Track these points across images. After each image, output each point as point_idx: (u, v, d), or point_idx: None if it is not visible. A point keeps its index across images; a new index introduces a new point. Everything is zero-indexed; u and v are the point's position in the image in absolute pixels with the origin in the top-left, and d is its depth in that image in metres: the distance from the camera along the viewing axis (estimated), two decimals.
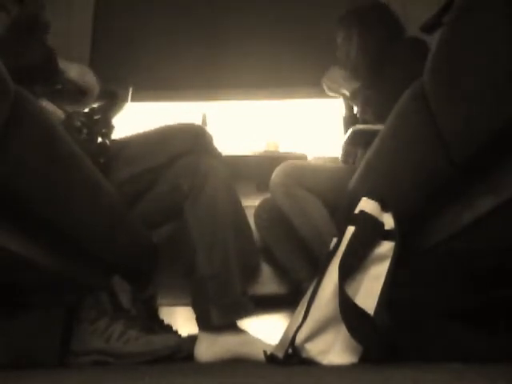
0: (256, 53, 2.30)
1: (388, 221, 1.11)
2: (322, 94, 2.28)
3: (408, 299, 1.31)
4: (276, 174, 1.63)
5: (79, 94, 1.51)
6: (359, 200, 1.16)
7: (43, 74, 1.41)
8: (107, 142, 1.48)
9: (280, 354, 1.11)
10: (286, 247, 1.73)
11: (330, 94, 1.82)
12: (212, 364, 1.29)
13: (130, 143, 1.55)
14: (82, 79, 1.49)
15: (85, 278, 1.36)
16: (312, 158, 2.06)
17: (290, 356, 1.09)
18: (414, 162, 1.01)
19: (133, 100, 1.73)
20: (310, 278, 1.26)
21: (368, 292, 1.06)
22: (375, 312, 1.03)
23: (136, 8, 2.38)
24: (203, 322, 1.36)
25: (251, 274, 1.76)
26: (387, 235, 1.10)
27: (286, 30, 2.32)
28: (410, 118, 1.00)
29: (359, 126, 1.58)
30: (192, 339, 1.37)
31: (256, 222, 1.77)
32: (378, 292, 1.05)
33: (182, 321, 1.72)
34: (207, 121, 2.04)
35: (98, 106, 1.58)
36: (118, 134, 1.59)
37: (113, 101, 1.62)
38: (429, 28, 1.04)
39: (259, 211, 1.77)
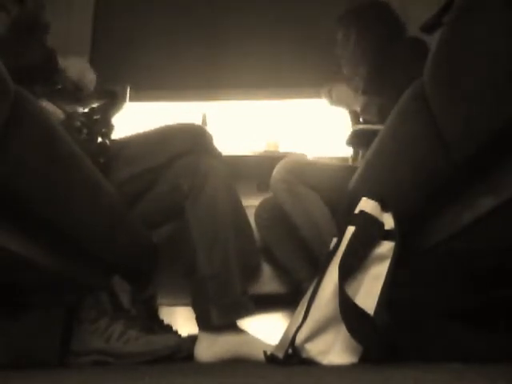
0: (256, 53, 2.30)
1: (388, 221, 1.11)
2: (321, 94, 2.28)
3: (408, 299, 1.31)
4: (277, 170, 1.63)
5: (76, 90, 1.51)
6: (359, 200, 1.16)
7: (43, 74, 1.41)
8: (107, 141, 1.48)
9: (280, 354, 1.11)
10: (286, 247, 1.73)
11: (335, 106, 1.80)
12: (212, 364, 1.29)
13: (129, 143, 1.55)
14: (81, 76, 1.49)
15: (85, 278, 1.36)
16: (313, 157, 2.06)
17: (290, 356, 1.09)
18: (414, 161, 1.01)
19: (133, 100, 1.73)
20: (310, 278, 1.26)
21: (368, 292, 1.06)
22: (375, 312, 1.03)
23: (136, 8, 2.38)
24: (203, 322, 1.36)
25: (251, 273, 1.76)
26: (387, 235, 1.10)
27: (286, 30, 2.32)
28: (410, 118, 1.00)
29: (359, 126, 1.58)
30: (192, 339, 1.37)
31: (256, 222, 1.76)
32: (378, 292, 1.05)
33: (182, 321, 1.72)
34: (207, 121, 2.04)
35: (98, 106, 1.58)
36: (117, 133, 1.59)
37: (112, 100, 1.62)
38: (429, 28, 1.04)
39: (259, 211, 1.77)
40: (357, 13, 1.73)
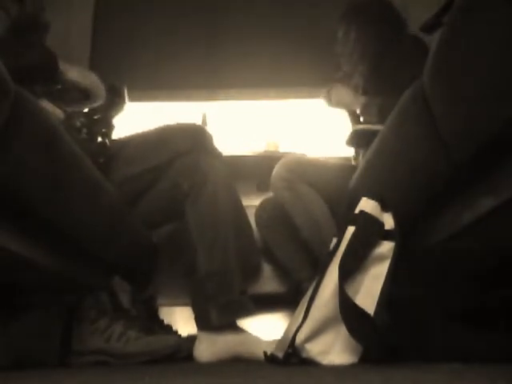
0: (256, 53, 2.30)
1: (388, 221, 1.11)
2: (321, 94, 2.28)
3: (408, 299, 1.31)
4: (277, 168, 1.63)
5: (83, 97, 1.51)
6: (359, 200, 1.16)
7: (43, 74, 1.41)
8: (107, 141, 1.48)
9: (280, 354, 1.11)
10: (286, 247, 1.73)
11: (335, 108, 1.80)
12: (212, 364, 1.29)
13: (129, 143, 1.55)
14: (86, 81, 1.49)
15: (85, 278, 1.36)
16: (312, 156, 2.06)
17: (290, 356, 1.09)
18: (414, 162, 1.01)
19: (133, 100, 1.73)
20: (310, 278, 1.26)
21: (368, 292, 1.06)
22: (375, 312, 1.03)
23: (136, 8, 2.38)
24: (202, 322, 1.36)
25: (252, 273, 1.76)
26: (387, 235, 1.10)
27: (285, 30, 2.32)
28: (410, 118, 1.00)
29: (359, 126, 1.58)
30: (192, 339, 1.37)
31: (256, 222, 1.77)
32: (378, 292, 1.05)
33: (182, 321, 1.72)
34: (207, 121, 2.04)
35: (98, 106, 1.58)
36: (117, 133, 1.59)
37: (113, 100, 1.62)
38: (429, 28, 1.04)
39: (260, 211, 1.77)
40: (357, 10, 1.71)
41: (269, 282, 1.85)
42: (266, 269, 1.86)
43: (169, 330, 1.52)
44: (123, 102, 1.64)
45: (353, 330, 1.02)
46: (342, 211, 1.29)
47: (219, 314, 1.33)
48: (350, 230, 1.12)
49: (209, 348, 1.33)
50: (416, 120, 0.97)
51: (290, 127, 2.32)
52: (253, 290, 1.71)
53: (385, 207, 1.13)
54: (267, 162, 1.82)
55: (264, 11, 2.35)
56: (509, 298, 1.27)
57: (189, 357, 1.35)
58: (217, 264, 1.36)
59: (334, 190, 1.54)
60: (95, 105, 1.52)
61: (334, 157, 2.06)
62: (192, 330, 1.42)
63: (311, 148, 2.16)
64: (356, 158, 1.75)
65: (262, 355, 1.18)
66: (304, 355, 1.08)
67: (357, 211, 1.14)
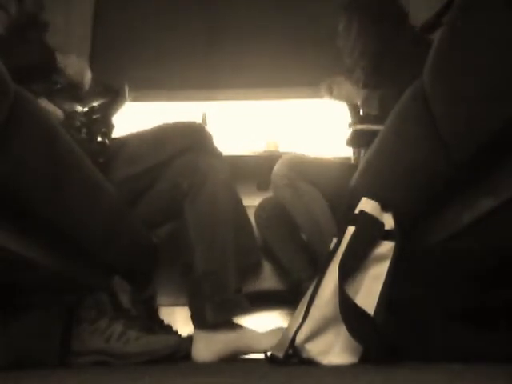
0: (256, 53, 2.30)
1: (388, 221, 1.11)
2: (321, 94, 2.28)
3: (408, 299, 1.31)
4: (278, 166, 1.63)
5: (74, 88, 1.51)
6: (359, 200, 1.16)
7: (42, 74, 1.41)
8: (107, 141, 1.48)
9: (280, 354, 1.11)
10: (286, 247, 1.73)
11: (335, 100, 1.76)
12: (212, 364, 1.29)
13: (129, 142, 1.55)
14: (80, 75, 1.49)
15: (85, 278, 1.36)
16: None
17: (290, 356, 1.09)
18: (414, 162, 1.01)
19: (133, 100, 1.73)
20: (310, 278, 1.26)
21: (368, 292, 1.06)
22: (375, 312, 1.03)
23: (136, 8, 2.38)
24: (198, 320, 1.36)
25: (251, 271, 1.76)
26: (387, 235, 1.10)
27: (285, 30, 2.32)
28: (410, 118, 1.00)
29: (359, 126, 1.58)
30: (192, 339, 1.37)
31: (256, 222, 1.76)
32: (378, 292, 1.05)
33: (182, 321, 1.72)
34: (207, 121, 2.04)
35: (98, 106, 1.58)
36: (117, 133, 1.58)
37: (113, 100, 1.62)
38: (429, 28, 1.04)
39: (259, 211, 1.77)
40: (359, 3, 1.69)
41: (268, 280, 1.86)
42: (266, 267, 1.86)
43: (169, 330, 1.53)
44: (123, 100, 1.64)
45: (353, 330, 1.02)
46: (342, 211, 1.29)
47: (214, 313, 1.33)
48: (350, 230, 1.12)
49: (206, 347, 1.33)
50: (416, 120, 0.97)
51: (290, 127, 2.32)
52: (252, 288, 1.71)
53: (385, 207, 1.13)
54: (267, 161, 1.82)
55: (264, 11, 2.35)
56: (509, 298, 1.27)
57: (188, 357, 1.35)
58: (214, 263, 1.36)
59: (334, 188, 1.53)
60: (85, 94, 1.52)
61: (335, 157, 2.06)
62: (192, 330, 1.42)
63: (311, 148, 2.16)
64: (357, 158, 1.74)
65: (259, 348, 1.18)
66: (304, 355, 1.08)
67: (357, 211, 1.14)
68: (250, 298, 1.40)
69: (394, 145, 1.09)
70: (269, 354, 1.16)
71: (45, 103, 1.36)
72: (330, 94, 1.72)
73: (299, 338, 1.08)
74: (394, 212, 1.12)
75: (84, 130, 1.43)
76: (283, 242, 1.73)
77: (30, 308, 1.49)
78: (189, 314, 1.40)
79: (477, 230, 0.94)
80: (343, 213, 1.23)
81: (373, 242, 1.09)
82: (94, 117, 1.50)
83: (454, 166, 0.88)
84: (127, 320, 1.42)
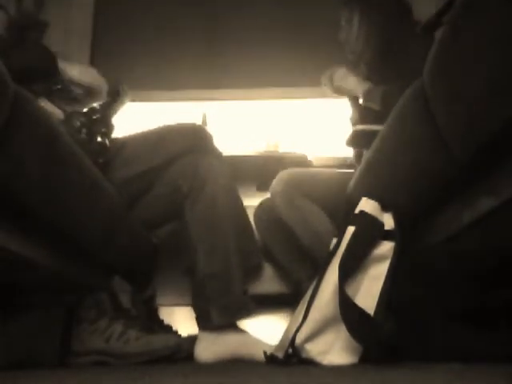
0: (256, 53, 2.30)
1: (388, 221, 1.11)
2: (321, 93, 2.28)
3: (408, 299, 1.31)
4: (276, 182, 1.62)
5: (85, 94, 1.51)
6: (359, 200, 1.15)
7: (42, 73, 1.41)
8: (106, 141, 1.48)
9: (280, 354, 1.11)
10: (285, 247, 1.72)
11: (334, 94, 1.71)
12: (212, 364, 1.29)
13: (129, 143, 1.55)
14: (87, 78, 1.49)
15: (85, 278, 1.36)
16: (313, 157, 2.06)
17: (290, 356, 1.09)
18: (414, 162, 1.01)
19: (133, 100, 1.73)
20: (310, 278, 1.26)
21: (368, 292, 1.06)
22: (375, 312, 1.03)
23: (136, 8, 2.38)
24: (203, 322, 1.36)
25: (252, 273, 1.76)
26: (387, 235, 1.10)
27: (286, 30, 2.32)
28: (410, 118, 1.00)
29: (359, 127, 1.58)
30: (192, 339, 1.37)
31: (255, 223, 1.76)
32: (378, 292, 1.05)
33: (182, 321, 1.72)
34: (207, 121, 2.04)
35: (98, 106, 1.58)
36: (117, 133, 1.58)
37: (113, 100, 1.62)
38: (429, 28, 1.04)
39: (259, 212, 1.77)
40: None
41: (269, 282, 1.85)
42: (267, 269, 1.85)
43: (169, 329, 1.52)
44: (123, 101, 1.64)
45: (353, 330, 1.02)
46: (342, 211, 1.29)
47: (220, 315, 1.33)
48: (350, 230, 1.12)
49: (209, 348, 1.33)
50: (416, 120, 0.97)
51: (290, 127, 2.32)
52: (253, 290, 1.71)
53: (385, 207, 1.13)
54: (267, 161, 1.82)
55: (264, 11, 2.36)
56: (509, 298, 1.27)
57: (189, 357, 1.35)
58: (217, 265, 1.36)
59: (334, 203, 1.52)
60: (99, 101, 1.52)
61: (332, 158, 2.06)
62: (192, 330, 1.42)
63: (311, 148, 2.16)
64: (358, 158, 1.73)
65: (262, 355, 1.17)
66: (304, 355, 1.08)
67: (357, 211, 1.14)
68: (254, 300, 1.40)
69: (395, 144, 1.09)
70: (269, 354, 1.16)
71: (45, 103, 1.37)
72: (331, 85, 1.67)
73: (299, 338, 1.08)
74: (394, 212, 1.12)
75: (84, 131, 1.43)
76: (282, 243, 1.72)
77: (30, 308, 1.49)
78: (189, 314, 1.40)
79: (477, 229, 0.94)
80: (343, 213, 1.23)
81: (373, 242, 1.09)
82: (94, 117, 1.50)
83: (454, 165, 0.88)
84: (127, 320, 1.42)
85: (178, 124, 1.59)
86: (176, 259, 1.69)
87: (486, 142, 0.78)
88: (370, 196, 1.14)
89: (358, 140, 1.57)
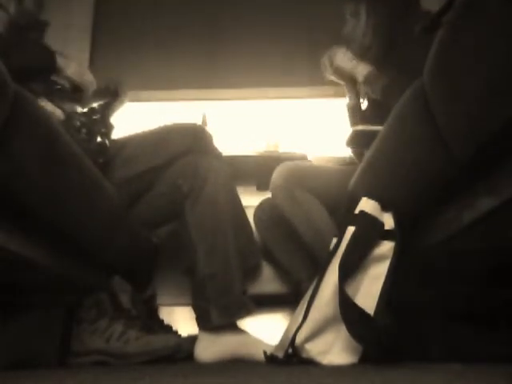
0: (256, 53, 2.30)
1: (388, 221, 1.11)
2: (321, 94, 2.28)
3: (408, 299, 1.31)
4: (276, 175, 1.62)
5: (75, 91, 1.51)
6: (359, 200, 1.15)
7: (42, 73, 1.41)
8: (106, 141, 1.48)
9: (280, 354, 1.11)
10: (285, 247, 1.72)
11: (331, 77, 1.67)
12: (212, 364, 1.29)
13: (129, 143, 1.55)
14: (80, 77, 1.49)
15: (85, 278, 1.36)
16: (313, 157, 2.06)
17: (290, 356, 1.09)
18: (414, 162, 1.01)
19: (133, 100, 1.73)
20: (310, 278, 1.26)
21: (368, 292, 1.06)
22: (375, 312, 1.03)
23: (136, 8, 2.38)
24: (203, 322, 1.36)
25: (252, 273, 1.76)
26: (387, 235, 1.10)
27: (286, 30, 2.32)
28: (410, 118, 1.00)
29: (359, 127, 1.58)
30: (192, 339, 1.37)
31: (255, 223, 1.76)
32: (378, 292, 1.05)
33: (182, 321, 1.72)
34: (207, 121, 2.04)
35: (98, 106, 1.58)
36: (117, 134, 1.59)
37: (113, 100, 1.62)
38: (429, 28, 1.04)
39: (258, 212, 1.77)
40: None
41: (269, 283, 1.85)
42: (266, 269, 1.85)
43: (169, 329, 1.52)
44: (122, 101, 1.64)
45: (353, 330, 1.02)
46: (342, 211, 1.29)
47: (220, 315, 1.33)
48: (350, 230, 1.12)
49: (209, 348, 1.33)
50: (416, 120, 0.97)
51: (290, 127, 2.32)
52: (253, 291, 1.71)
53: (385, 207, 1.13)
54: (267, 161, 1.82)
55: (264, 11, 2.36)
56: (509, 298, 1.27)
57: (189, 357, 1.35)
58: (217, 265, 1.36)
59: (333, 196, 1.52)
60: (86, 98, 1.52)
61: (333, 157, 2.06)
62: (192, 330, 1.42)
63: (311, 148, 2.16)
64: (358, 157, 1.72)
65: (262, 356, 1.18)
66: (304, 355, 1.08)
67: (357, 211, 1.14)
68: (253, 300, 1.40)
69: (395, 144, 1.09)
70: (269, 354, 1.16)
71: (44, 103, 1.37)
72: (330, 65, 1.64)
73: (299, 337, 1.08)
74: (394, 212, 1.12)
75: (84, 131, 1.43)
76: (283, 243, 1.72)
77: (29, 308, 1.49)
78: (189, 314, 1.40)
79: (477, 229, 0.94)
80: (343, 213, 1.23)
81: (373, 242, 1.09)
82: (94, 117, 1.50)
83: (455, 165, 0.88)
84: (127, 320, 1.42)
85: (178, 124, 1.59)
86: (176, 259, 1.69)
87: (485, 142, 0.78)
88: (370, 196, 1.14)
89: (358, 140, 1.57)
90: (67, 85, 1.48)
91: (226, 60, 2.31)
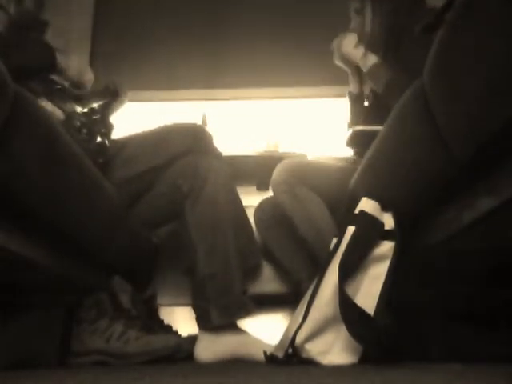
0: (256, 53, 2.30)
1: (388, 221, 1.11)
2: (322, 93, 2.28)
3: (408, 299, 1.31)
4: (277, 171, 1.62)
5: (74, 88, 1.51)
6: (359, 200, 1.15)
7: (42, 73, 1.41)
8: (106, 141, 1.48)
9: (280, 354, 1.11)
10: (285, 247, 1.72)
11: (340, 63, 1.66)
12: (212, 364, 1.29)
13: (129, 143, 1.55)
14: (80, 75, 1.49)
15: (85, 278, 1.36)
16: (313, 157, 2.06)
17: (290, 356, 1.09)
18: (414, 162, 1.01)
19: (133, 100, 1.73)
20: (310, 278, 1.26)
21: (368, 292, 1.06)
22: (375, 312, 1.03)
23: (136, 8, 2.38)
24: (203, 322, 1.36)
25: (252, 273, 1.76)
26: (387, 235, 1.10)
27: (286, 30, 2.32)
28: (410, 118, 1.00)
29: (359, 127, 1.58)
30: (192, 339, 1.37)
31: (255, 222, 1.76)
32: (378, 292, 1.05)
33: (182, 321, 1.72)
34: (207, 121, 2.04)
35: (98, 106, 1.58)
36: (117, 133, 1.58)
37: (113, 100, 1.62)
38: (430, 28, 1.04)
39: (259, 211, 1.77)
40: None
41: (269, 283, 1.85)
42: (266, 269, 1.85)
43: (169, 329, 1.52)
44: (122, 100, 1.64)
45: (353, 330, 1.02)
46: (342, 211, 1.29)
47: (220, 315, 1.33)
48: (350, 229, 1.12)
49: (209, 348, 1.33)
50: (416, 120, 0.97)
51: (290, 127, 2.32)
52: (253, 290, 1.71)
53: (385, 207, 1.13)
54: (267, 161, 1.81)
55: (264, 11, 2.36)
56: (509, 298, 1.27)
57: (189, 357, 1.35)
58: (217, 265, 1.36)
59: (334, 193, 1.52)
60: (86, 94, 1.52)
61: (334, 157, 2.06)
62: (192, 330, 1.42)
63: (311, 148, 2.16)
64: (359, 156, 1.72)
65: (262, 356, 1.18)
66: (304, 355, 1.08)
67: (357, 211, 1.14)
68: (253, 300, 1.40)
69: (395, 144, 1.09)
70: (269, 353, 1.16)
71: (44, 103, 1.37)
72: (338, 51, 1.63)
73: (299, 337, 1.08)
74: (394, 212, 1.12)
75: (84, 131, 1.43)
76: (283, 243, 1.72)
77: (30, 308, 1.49)
78: (190, 314, 1.40)
79: (477, 229, 0.94)
80: (343, 212, 1.23)
81: (373, 242, 1.09)
82: (94, 117, 1.50)
83: (455, 165, 0.88)
84: (127, 320, 1.42)
85: (178, 124, 1.59)
86: (176, 259, 1.69)
87: (485, 142, 0.78)
88: (370, 196, 1.14)
89: (358, 140, 1.57)
90: (67, 84, 1.48)
91: (226, 60, 2.31)
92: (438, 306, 1.41)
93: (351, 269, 1.07)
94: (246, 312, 1.36)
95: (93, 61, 2.26)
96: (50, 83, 1.46)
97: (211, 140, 1.58)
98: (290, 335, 1.11)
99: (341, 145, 1.72)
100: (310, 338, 1.08)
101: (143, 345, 1.37)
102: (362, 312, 1.01)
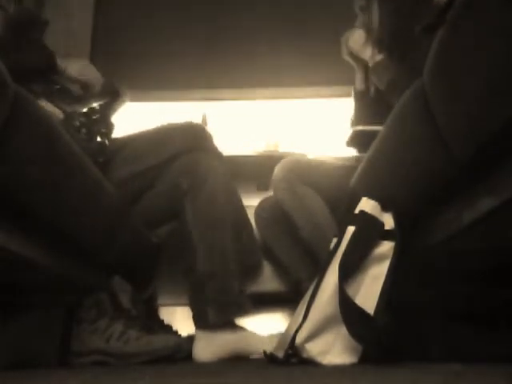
0: (256, 53, 2.30)
1: (388, 221, 1.11)
2: (322, 93, 2.28)
3: (408, 299, 1.31)
4: (278, 169, 1.62)
5: (81, 88, 1.51)
6: (359, 200, 1.15)
7: (42, 73, 1.41)
8: (106, 141, 1.48)
9: (280, 354, 1.11)
10: (286, 246, 1.72)
11: (348, 58, 1.64)
12: (212, 364, 1.29)
13: (129, 142, 1.55)
14: (83, 74, 1.48)
15: (85, 278, 1.36)
16: (313, 156, 2.05)
17: (290, 356, 1.09)
18: (414, 161, 1.01)
19: (133, 100, 1.73)
20: (310, 278, 1.26)
21: (368, 292, 1.06)
22: (375, 312, 1.03)
23: (136, 8, 2.38)
24: (200, 321, 1.36)
25: (252, 272, 1.76)
26: (387, 235, 1.10)
27: (286, 30, 2.32)
28: (410, 118, 1.00)
29: (359, 128, 1.57)
30: (192, 339, 1.37)
31: (256, 221, 1.76)
32: (378, 292, 1.05)
33: (182, 321, 1.72)
34: (207, 121, 2.04)
35: (98, 106, 1.58)
36: (117, 133, 1.58)
37: (113, 100, 1.62)
38: (430, 28, 1.04)
39: (259, 210, 1.77)
40: None
41: (269, 281, 1.85)
42: (267, 268, 1.86)
43: (169, 329, 1.52)
44: (122, 101, 1.64)
45: (353, 330, 1.02)
46: (342, 212, 1.29)
47: (217, 313, 1.33)
48: (350, 229, 1.12)
49: (207, 347, 1.33)
50: (416, 120, 0.97)
51: (290, 127, 2.32)
52: (253, 289, 1.71)
53: (385, 207, 1.13)
54: (267, 161, 1.81)
55: (265, 11, 2.36)
56: (509, 298, 1.27)
57: (189, 357, 1.35)
58: (215, 264, 1.36)
59: (334, 191, 1.52)
60: (94, 97, 1.52)
61: (334, 157, 2.06)
62: (192, 330, 1.42)
63: (311, 148, 2.16)
64: (360, 157, 1.72)
65: (260, 350, 1.18)
66: (304, 355, 1.08)
67: (357, 211, 1.14)
68: (251, 299, 1.40)
69: (395, 144, 1.09)
70: (269, 353, 1.16)
71: (44, 103, 1.37)
72: (346, 43, 1.61)
73: (299, 337, 1.08)
74: (394, 212, 1.12)
75: (84, 130, 1.43)
76: (283, 242, 1.72)
77: (30, 308, 1.49)
78: (189, 314, 1.40)
79: (477, 229, 0.94)
80: (343, 213, 1.23)
81: (373, 242, 1.09)
82: (94, 117, 1.50)
83: (455, 165, 0.88)
84: (127, 320, 1.42)
85: (178, 123, 1.59)
86: (176, 259, 1.68)
87: (485, 142, 0.78)
88: (370, 196, 1.14)
89: (358, 140, 1.57)
90: (69, 85, 1.48)
91: (226, 60, 2.31)
92: (438, 306, 1.41)
93: (351, 269, 1.07)
94: (244, 311, 1.36)
95: (93, 61, 2.25)
96: (50, 84, 1.46)
97: (211, 139, 1.58)
98: (290, 335, 1.11)
99: (341, 145, 1.72)
100: (310, 337, 1.08)
101: (143, 345, 1.37)
102: (362, 312, 1.01)
